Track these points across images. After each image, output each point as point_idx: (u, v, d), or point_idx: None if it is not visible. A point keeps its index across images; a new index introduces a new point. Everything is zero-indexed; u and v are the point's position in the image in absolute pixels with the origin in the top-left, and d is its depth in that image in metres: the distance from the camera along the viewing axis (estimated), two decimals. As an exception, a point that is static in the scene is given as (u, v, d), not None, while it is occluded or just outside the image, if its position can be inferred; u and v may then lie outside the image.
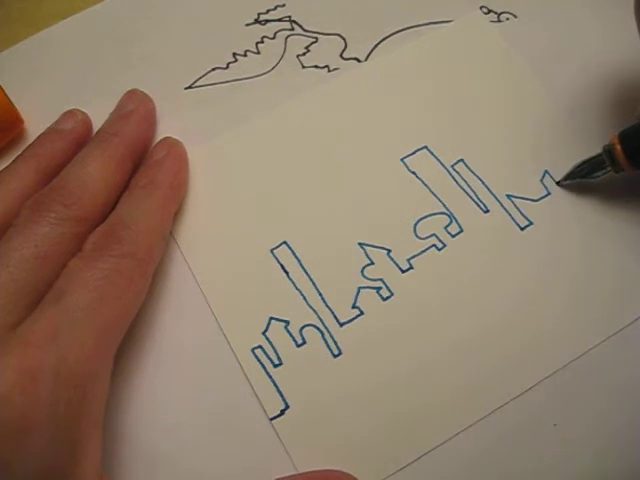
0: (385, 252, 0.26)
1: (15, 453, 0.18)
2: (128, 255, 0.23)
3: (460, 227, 0.27)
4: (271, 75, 0.31)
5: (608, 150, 0.26)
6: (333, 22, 0.32)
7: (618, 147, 0.25)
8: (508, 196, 0.27)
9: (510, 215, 0.27)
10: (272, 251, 0.26)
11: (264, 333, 0.25)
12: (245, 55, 0.31)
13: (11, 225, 0.23)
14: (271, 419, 0.24)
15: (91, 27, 0.32)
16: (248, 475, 0.23)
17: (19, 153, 0.27)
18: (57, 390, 0.19)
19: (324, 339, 0.25)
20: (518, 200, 0.27)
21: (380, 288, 0.26)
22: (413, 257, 0.26)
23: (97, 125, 0.28)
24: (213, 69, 0.31)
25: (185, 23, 0.32)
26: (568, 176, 0.27)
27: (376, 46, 0.31)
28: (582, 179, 0.27)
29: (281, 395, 0.24)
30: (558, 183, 0.28)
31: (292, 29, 0.32)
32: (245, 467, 0.23)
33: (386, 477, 0.23)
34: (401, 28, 0.31)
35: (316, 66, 0.31)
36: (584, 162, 0.27)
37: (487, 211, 0.27)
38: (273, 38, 0.31)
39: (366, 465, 0.23)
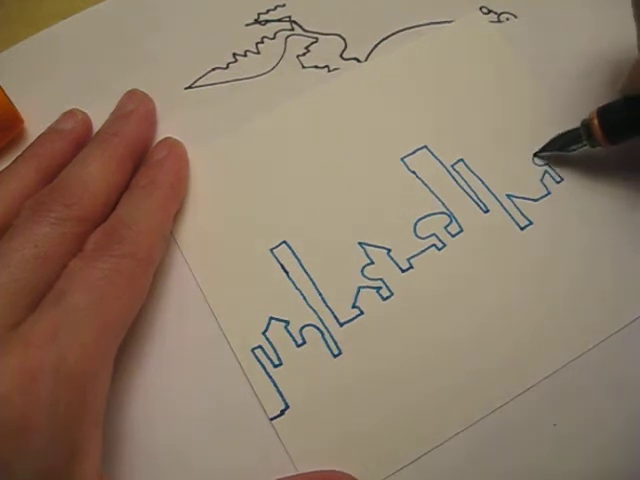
0: (385, 252, 0.26)
1: (15, 453, 0.18)
2: (129, 255, 0.23)
3: (460, 227, 0.27)
4: (271, 75, 0.31)
5: (586, 125, 0.26)
6: (333, 22, 0.32)
7: (595, 122, 0.26)
8: (508, 196, 0.27)
9: (510, 215, 0.27)
10: (272, 251, 0.26)
11: (264, 333, 0.25)
12: (245, 55, 0.31)
13: (11, 225, 0.23)
14: (271, 419, 0.24)
15: (91, 27, 0.32)
16: (248, 475, 0.23)
17: (19, 153, 0.27)
18: (57, 390, 0.19)
19: (324, 339, 0.25)
20: (518, 200, 0.27)
21: (380, 288, 0.26)
22: (413, 257, 0.26)
23: (97, 125, 0.28)
24: (213, 69, 0.31)
25: (185, 23, 0.32)
26: (544, 148, 0.28)
27: (376, 46, 0.31)
28: (558, 152, 0.27)
29: (281, 395, 0.24)
30: (535, 155, 0.28)
31: (292, 29, 0.32)
32: (245, 467, 0.23)
33: (386, 477, 0.23)
34: (401, 28, 0.31)
35: (316, 66, 0.31)
36: (561, 135, 0.27)
37: (487, 211, 0.27)
38: (273, 38, 0.31)
39: (366, 465, 0.23)
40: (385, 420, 0.24)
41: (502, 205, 0.27)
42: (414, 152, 0.28)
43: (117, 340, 0.22)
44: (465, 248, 0.26)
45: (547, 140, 0.28)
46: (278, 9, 0.32)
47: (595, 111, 0.26)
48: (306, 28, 0.32)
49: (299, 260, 0.26)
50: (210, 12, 0.32)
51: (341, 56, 0.31)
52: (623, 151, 0.27)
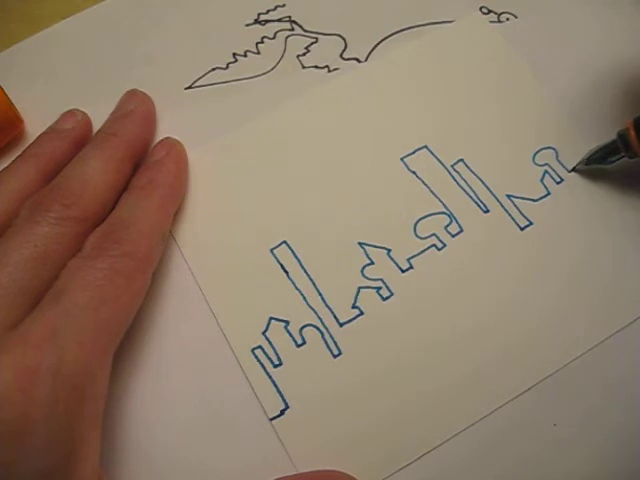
0: (385, 252, 0.26)
1: (14, 453, 0.18)
2: (127, 255, 0.23)
3: (460, 227, 0.27)
4: (271, 75, 0.31)
5: (622, 135, 0.26)
6: (333, 22, 0.32)
7: (632, 133, 0.25)
8: (508, 196, 0.27)
9: (510, 215, 0.27)
10: (272, 251, 0.26)
11: (264, 333, 0.25)
12: (245, 55, 0.31)
13: (11, 225, 0.23)
14: (271, 419, 0.24)
15: (91, 27, 0.32)
16: (248, 475, 0.23)
17: (19, 153, 0.27)
18: (56, 390, 0.19)
19: (324, 339, 0.25)
20: (518, 200, 0.27)
21: (380, 288, 0.26)
22: (413, 257, 0.26)
23: (97, 125, 0.28)
24: (213, 69, 0.31)
25: (185, 23, 0.32)
26: (585, 161, 0.27)
27: (376, 46, 0.31)
28: (597, 165, 0.27)
29: (281, 395, 0.24)
30: (573, 169, 0.28)
31: (292, 29, 0.32)
32: (245, 467, 0.23)
33: (386, 477, 0.23)
34: (401, 28, 0.31)
35: (316, 66, 0.31)
36: (600, 148, 0.27)
37: (487, 211, 0.27)
38: (273, 38, 0.31)
39: (366, 465, 0.23)
40: (385, 420, 0.24)
41: (502, 205, 0.27)
42: (414, 152, 0.28)
43: (116, 339, 0.22)
44: (465, 248, 0.26)
45: (548, 142, 0.28)
46: (278, 9, 0.32)
47: (631, 122, 0.26)
48: (306, 28, 0.32)
49: (299, 260, 0.26)
50: (210, 12, 0.32)
51: (341, 56, 0.31)
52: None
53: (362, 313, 0.25)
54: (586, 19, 0.31)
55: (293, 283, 0.26)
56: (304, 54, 0.31)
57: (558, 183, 0.28)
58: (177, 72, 0.31)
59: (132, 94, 0.29)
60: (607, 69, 0.30)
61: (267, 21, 0.32)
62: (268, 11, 0.32)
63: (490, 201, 0.27)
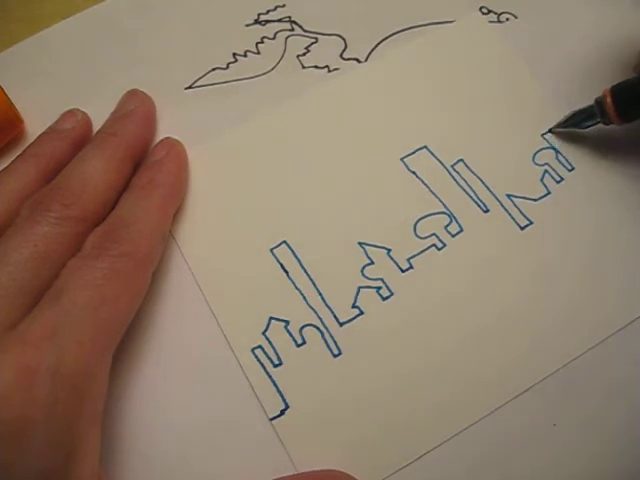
0: (385, 251, 0.26)
1: (14, 454, 0.18)
2: (127, 255, 0.23)
3: (460, 227, 0.27)
4: (271, 75, 0.31)
5: (599, 102, 0.26)
6: (333, 22, 0.32)
7: (608, 100, 0.26)
8: (508, 196, 0.27)
9: (510, 215, 0.27)
10: (272, 250, 0.26)
11: (264, 333, 0.25)
12: (245, 55, 0.31)
13: (11, 225, 0.23)
14: (271, 419, 0.24)
15: (91, 27, 0.32)
16: (248, 475, 0.23)
17: (19, 153, 0.27)
18: (55, 390, 0.19)
19: (324, 339, 0.25)
20: (518, 200, 0.27)
21: (380, 288, 0.26)
22: (413, 257, 0.26)
23: (97, 125, 0.28)
24: (213, 69, 0.31)
25: (185, 23, 0.32)
26: (560, 124, 0.28)
27: (376, 46, 0.31)
28: (573, 128, 0.28)
29: (281, 395, 0.24)
30: (550, 131, 0.28)
31: (292, 29, 0.32)
32: (245, 467, 0.23)
33: (386, 477, 0.23)
34: (401, 28, 0.31)
35: (316, 66, 0.31)
36: (576, 112, 0.28)
37: (487, 211, 0.27)
38: (273, 38, 0.31)
39: (366, 465, 0.23)
40: (385, 420, 0.24)
41: (502, 205, 0.27)
42: (414, 152, 0.28)
43: (115, 339, 0.22)
44: (465, 248, 0.26)
45: (548, 142, 0.28)
46: (278, 9, 0.32)
47: (608, 88, 0.26)
48: (306, 28, 0.32)
49: (299, 260, 0.26)
50: (210, 12, 0.32)
51: (341, 56, 0.31)
52: (626, 151, 0.28)
53: (362, 313, 0.25)
54: (586, 19, 0.31)
55: (293, 283, 0.26)
56: (304, 54, 0.31)
57: (558, 182, 0.28)
58: (177, 72, 0.31)
59: (132, 94, 0.29)
60: (607, 69, 0.30)
61: (267, 21, 0.32)
62: (268, 11, 0.32)
63: (490, 201, 0.27)
